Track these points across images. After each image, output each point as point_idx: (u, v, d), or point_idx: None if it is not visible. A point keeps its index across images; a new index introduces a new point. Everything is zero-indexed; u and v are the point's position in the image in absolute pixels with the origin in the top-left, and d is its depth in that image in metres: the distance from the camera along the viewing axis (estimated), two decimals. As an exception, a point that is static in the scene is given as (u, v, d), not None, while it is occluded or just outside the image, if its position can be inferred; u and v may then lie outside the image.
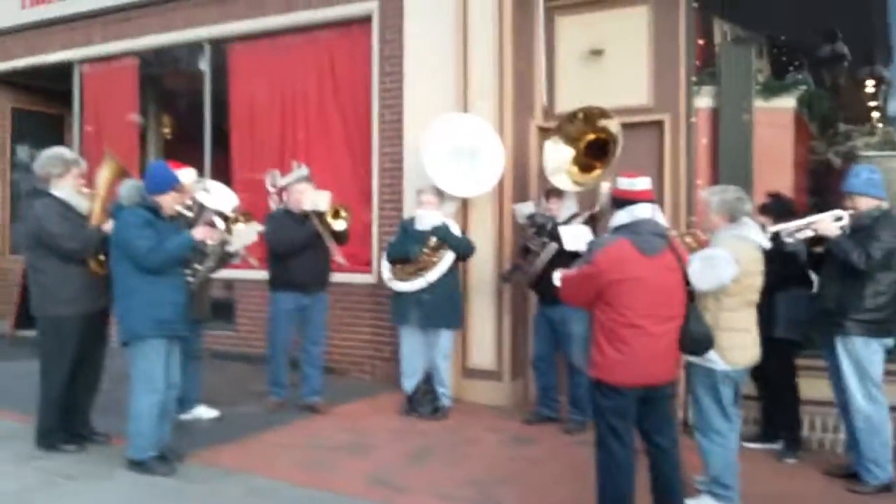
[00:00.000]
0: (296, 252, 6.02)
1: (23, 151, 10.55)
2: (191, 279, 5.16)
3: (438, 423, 5.98)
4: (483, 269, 6.61)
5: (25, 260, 5.21)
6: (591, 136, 6.16)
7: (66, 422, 5.12)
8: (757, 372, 5.03)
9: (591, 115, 6.10)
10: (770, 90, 6.44)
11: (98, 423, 5.29)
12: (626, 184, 3.94)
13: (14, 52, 10.11)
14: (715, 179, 6.16)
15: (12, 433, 5.39)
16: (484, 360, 6.68)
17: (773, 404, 5.43)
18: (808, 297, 5.10)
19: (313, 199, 6.06)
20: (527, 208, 6.27)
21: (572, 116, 6.19)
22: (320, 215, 6.08)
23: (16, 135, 10.89)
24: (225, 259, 5.52)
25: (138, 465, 4.68)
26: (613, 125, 5.94)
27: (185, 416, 5.72)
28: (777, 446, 5.35)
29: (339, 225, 6.18)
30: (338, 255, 6.22)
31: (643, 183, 3.92)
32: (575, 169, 6.20)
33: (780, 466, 5.14)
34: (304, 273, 6.05)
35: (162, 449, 4.77)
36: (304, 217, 6.07)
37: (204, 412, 5.91)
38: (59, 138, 10.12)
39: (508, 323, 6.67)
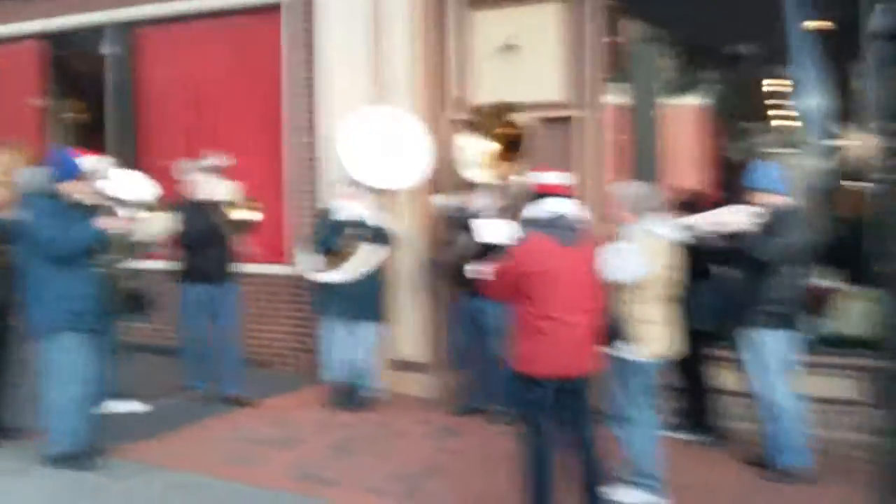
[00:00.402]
0: (200, 243, 5.98)
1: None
2: (100, 270, 5.04)
3: (365, 415, 6.01)
4: (408, 260, 6.66)
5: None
6: (503, 130, 6.28)
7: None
8: (678, 363, 5.26)
9: (499, 110, 6.22)
10: (676, 87, 6.71)
11: (15, 419, 5.17)
12: (540, 177, 4.09)
13: None
14: (624, 175, 6.39)
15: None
16: (411, 352, 6.73)
17: (694, 394, 5.57)
18: (718, 290, 5.21)
19: (214, 189, 6.02)
20: (443, 200, 6.35)
21: (482, 111, 6.30)
22: (225, 205, 6.05)
23: None
24: (134, 249, 5.41)
25: (57, 461, 4.62)
26: (522, 119, 6.07)
27: (104, 410, 5.60)
28: (699, 436, 5.49)
29: (244, 215, 6.14)
30: (245, 246, 6.20)
31: (556, 177, 4.06)
32: (488, 162, 6.32)
33: (701, 455, 5.25)
34: (210, 264, 6.05)
35: (82, 444, 4.70)
36: (208, 207, 6.02)
37: (123, 406, 5.82)
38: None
39: (435, 315, 6.71)
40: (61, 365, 4.63)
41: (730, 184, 6.61)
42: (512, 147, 6.22)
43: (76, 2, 8.48)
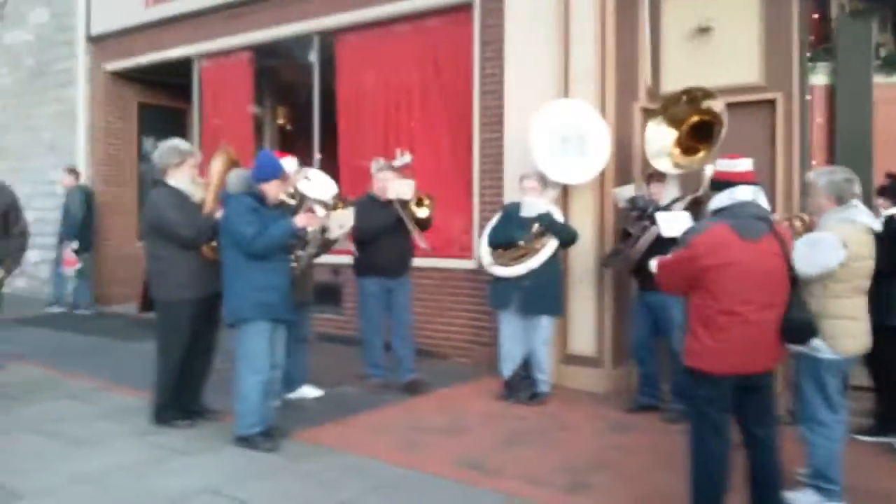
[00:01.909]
0: (377, 238, 6.16)
1: (149, 144, 11.19)
2: (294, 264, 5.33)
3: (536, 408, 5.95)
4: (585, 254, 6.54)
5: (144, 247, 5.50)
6: (696, 118, 5.98)
7: (180, 399, 5.40)
8: (871, 361, 4.80)
9: (694, 97, 5.93)
10: (892, 65, 6.08)
11: (211, 401, 5.56)
12: (727, 165, 3.81)
13: (138, 49, 10.69)
14: (832, 160, 5.89)
15: (131, 409, 5.73)
16: (584, 347, 6.61)
17: (889, 396, 5.12)
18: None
19: (396, 188, 6.17)
20: (628, 192, 6.14)
21: (676, 98, 6.04)
22: (404, 203, 6.19)
23: (142, 128, 11.57)
24: (326, 245, 5.67)
25: (244, 441, 4.91)
26: (718, 106, 5.75)
27: (291, 396, 5.95)
28: (892, 440, 5.05)
29: (422, 212, 6.29)
30: (422, 241, 6.32)
31: (744, 164, 3.78)
32: (678, 151, 6.05)
33: (893, 462, 4.85)
34: (386, 258, 6.21)
35: (267, 426, 4.97)
36: (388, 204, 6.18)
37: (309, 392, 6.12)
38: (182, 131, 10.65)
39: (610, 309, 6.57)
40: (250, 352, 4.92)
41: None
42: (704, 135, 5.90)
43: (282, 14, 9.06)
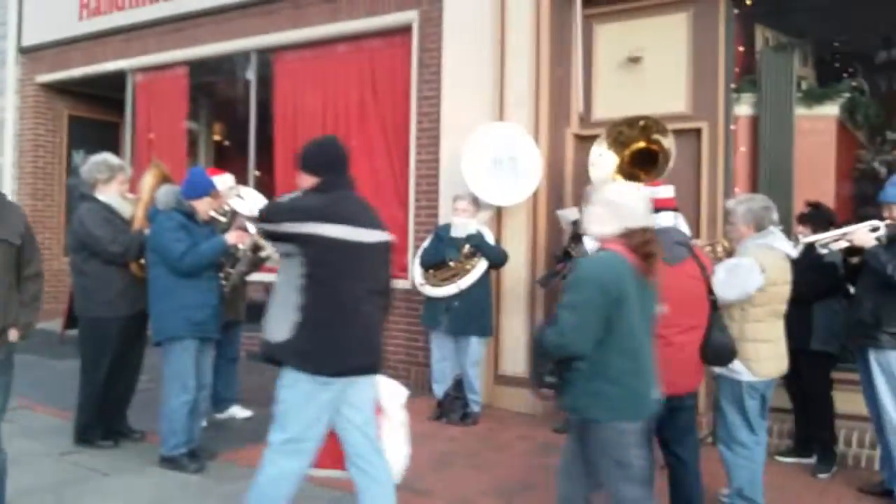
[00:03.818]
0: None
1: (79, 157, 10.92)
2: (224, 282, 5.28)
3: (467, 429, 5.99)
4: (516, 275, 6.61)
5: (70, 262, 5.39)
6: (640, 145, 6.10)
7: (103, 419, 5.27)
8: (792, 384, 4.97)
9: (648, 127, 6.03)
10: (812, 97, 6.33)
11: (135, 421, 5.44)
12: (648, 192, 3.92)
13: (71, 61, 10.46)
14: (755, 188, 6.09)
15: (52, 428, 5.58)
16: (515, 367, 6.65)
17: (808, 418, 5.28)
18: (844, 309, 4.94)
19: None
20: (572, 214, 6.22)
21: (632, 123, 6.09)
22: None
23: (72, 141, 11.31)
24: (257, 263, 5.63)
25: (169, 462, 4.81)
26: (667, 142, 5.87)
27: (219, 416, 5.86)
28: (811, 461, 5.20)
29: None
30: None
31: (665, 191, 3.92)
32: (619, 178, 6.15)
33: (812, 481, 4.99)
34: None
35: (193, 447, 4.89)
36: None
37: (238, 412, 6.04)
38: (114, 145, 10.43)
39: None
40: (177, 370, 4.83)
41: (867, 197, 6.16)
42: (645, 163, 6.03)
43: (220, 30, 8.99)
